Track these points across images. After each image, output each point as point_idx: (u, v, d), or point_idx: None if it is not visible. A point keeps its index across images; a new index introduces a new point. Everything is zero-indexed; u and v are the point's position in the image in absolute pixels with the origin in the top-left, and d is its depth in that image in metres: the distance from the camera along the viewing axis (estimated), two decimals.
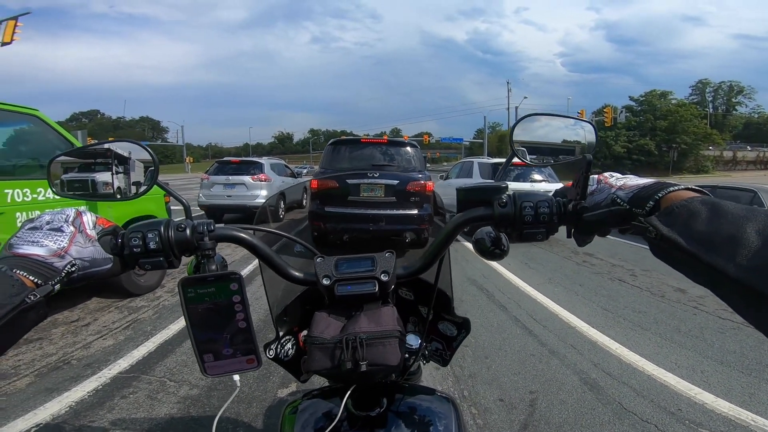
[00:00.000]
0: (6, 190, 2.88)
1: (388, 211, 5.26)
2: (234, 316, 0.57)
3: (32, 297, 0.44)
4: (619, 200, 0.52)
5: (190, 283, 0.55)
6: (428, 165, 6.77)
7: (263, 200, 8.69)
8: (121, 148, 0.83)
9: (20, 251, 0.49)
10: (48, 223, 0.52)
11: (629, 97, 48.96)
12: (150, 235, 0.56)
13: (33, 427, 2.00)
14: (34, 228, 0.52)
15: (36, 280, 0.46)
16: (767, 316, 0.35)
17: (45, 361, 2.69)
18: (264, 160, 9.86)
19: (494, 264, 5.42)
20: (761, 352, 2.85)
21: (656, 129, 41.68)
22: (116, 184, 0.85)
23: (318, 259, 0.67)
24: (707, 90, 63.09)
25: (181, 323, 3.33)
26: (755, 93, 62.93)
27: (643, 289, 4.49)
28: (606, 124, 32.71)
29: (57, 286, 0.48)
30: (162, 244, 0.56)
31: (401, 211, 5.30)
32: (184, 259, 0.62)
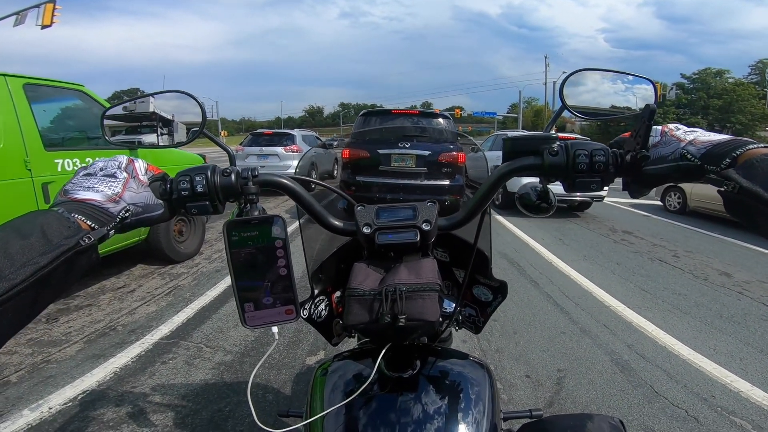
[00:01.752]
0: (56, 160, 3.03)
1: (419, 182, 5.22)
2: (276, 261, 0.55)
3: (86, 240, 0.44)
4: (689, 155, 0.49)
5: (234, 226, 0.55)
6: (459, 138, 6.63)
7: (296, 170, 8.83)
8: (166, 102, 0.83)
9: (76, 196, 0.49)
10: (102, 169, 0.53)
11: (681, 74, 45.54)
12: (197, 179, 0.57)
13: (80, 394, 2.08)
14: (89, 174, 0.52)
15: (92, 224, 0.47)
16: None
17: (93, 328, 2.81)
18: (296, 132, 9.97)
19: (527, 238, 5.32)
20: None
21: (709, 108, 38.84)
22: (161, 144, 0.87)
23: (358, 207, 0.66)
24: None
25: (217, 290, 3.49)
26: None
27: (686, 271, 4.28)
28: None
29: (112, 231, 0.49)
30: (208, 188, 0.57)
31: (432, 182, 5.24)
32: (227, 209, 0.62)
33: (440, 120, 5.93)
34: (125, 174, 0.53)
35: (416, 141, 5.42)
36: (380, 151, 5.29)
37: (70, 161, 3.12)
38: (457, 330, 0.91)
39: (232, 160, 0.65)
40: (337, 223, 0.68)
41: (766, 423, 1.94)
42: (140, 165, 0.56)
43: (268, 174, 0.63)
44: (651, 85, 0.74)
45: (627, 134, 0.56)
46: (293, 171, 8.88)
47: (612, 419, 0.69)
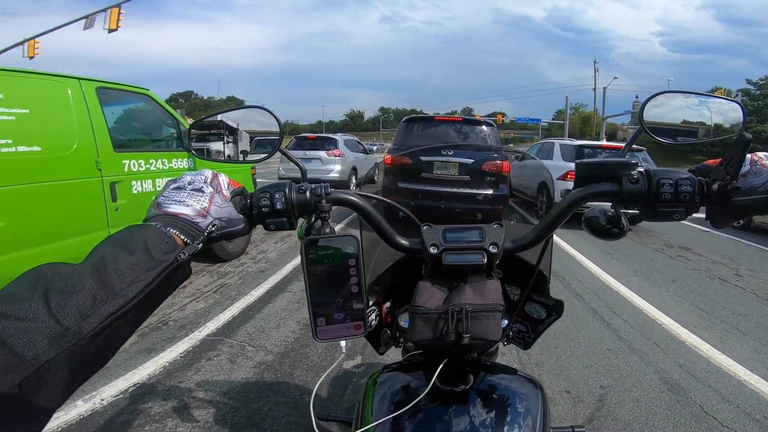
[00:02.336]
0: (123, 161, 3.26)
1: (462, 190, 5.16)
2: (348, 279, 0.56)
3: (182, 255, 0.46)
4: None
5: (312, 244, 0.55)
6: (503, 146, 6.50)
7: (337, 174, 9.01)
8: (231, 119, 0.89)
9: (170, 210, 0.51)
10: (190, 183, 0.54)
11: (747, 80, 42.07)
12: (277, 196, 0.58)
13: (131, 387, 2.16)
14: (178, 188, 0.54)
15: (185, 239, 0.49)
16: None
17: (148, 322, 2.95)
18: (338, 137, 10.17)
19: (572, 251, 5.12)
20: None
21: None
22: (227, 152, 0.93)
23: (425, 227, 0.66)
24: None
25: (261, 290, 3.59)
26: None
27: (748, 291, 3.97)
28: None
29: (200, 245, 0.51)
30: (286, 205, 0.59)
31: (475, 191, 5.16)
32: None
33: (484, 127, 5.85)
34: (211, 189, 0.55)
35: (459, 148, 5.38)
36: (423, 159, 5.29)
37: (135, 162, 3.35)
38: (505, 345, 0.91)
39: (304, 176, 0.67)
40: (403, 241, 0.69)
41: None
42: (224, 180, 0.58)
43: (340, 192, 0.64)
44: (739, 107, 0.70)
45: (712, 161, 0.54)
46: (336, 175, 9.09)
47: None
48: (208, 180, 0.56)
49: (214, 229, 0.53)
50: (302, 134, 10.83)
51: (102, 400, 2.05)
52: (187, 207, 0.51)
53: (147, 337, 2.73)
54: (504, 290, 0.84)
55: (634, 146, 0.75)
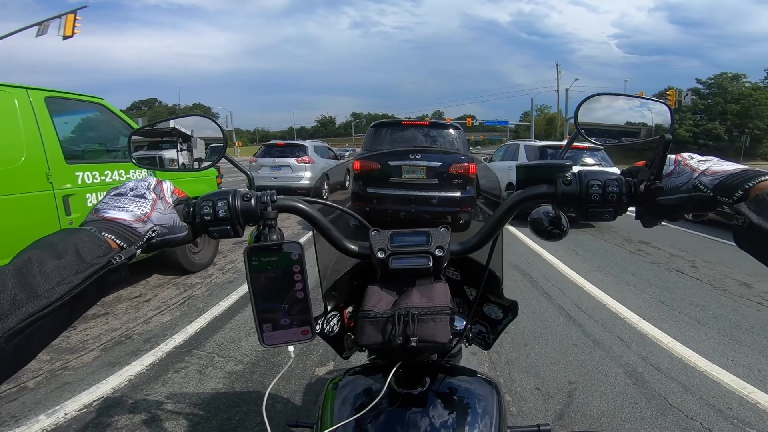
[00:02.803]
0: (77, 173, 3.12)
1: (430, 193, 5.22)
2: (293, 285, 0.57)
3: (117, 259, 0.46)
4: (702, 187, 0.49)
5: (254, 251, 0.56)
6: (472, 149, 6.65)
7: (308, 181, 8.92)
8: (185, 125, 0.87)
9: (108, 215, 0.51)
10: (132, 189, 0.55)
11: (696, 79, 44.87)
12: (219, 204, 0.58)
13: (96, 401, 2.12)
14: (120, 194, 0.54)
15: (121, 243, 0.49)
16: None
17: (110, 336, 2.86)
18: (308, 143, 10.11)
19: (539, 249, 5.25)
20: None
21: (727, 113, 38.13)
22: (180, 160, 0.90)
23: (373, 232, 0.67)
24: None
25: (230, 300, 3.54)
26: None
27: (704, 282, 4.18)
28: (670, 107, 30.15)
29: (138, 251, 0.51)
30: (230, 213, 0.59)
31: (444, 193, 5.24)
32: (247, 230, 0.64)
33: (451, 131, 5.94)
34: (154, 195, 0.55)
35: (427, 152, 5.44)
36: (391, 163, 5.32)
37: (89, 174, 3.21)
38: (467, 346, 0.93)
39: (251, 183, 0.67)
40: (352, 246, 0.69)
41: None
42: (167, 187, 0.59)
43: (286, 198, 0.65)
44: (668, 109, 0.73)
45: (641, 163, 0.56)
46: (306, 182, 8.99)
47: None
48: (152, 186, 0.56)
49: (154, 234, 0.53)
50: (271, 141, 10.68)
51: (65, 414, 2.00)
52: (126, 212, 0.52)
53: (110, 351, 2.65)
54: (463, 292, 0.85)
55: (593, 146, 0.78)
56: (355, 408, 0.65)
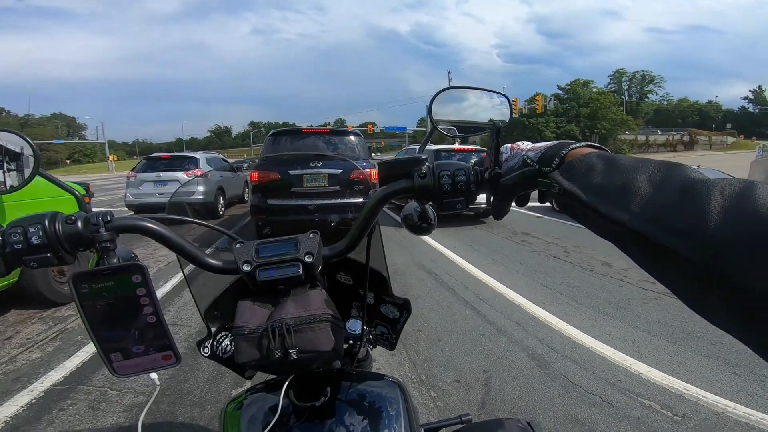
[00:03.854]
0: None
1: (333, 201, 5.19)
2: (140, 310, 0.53)
3: None
4: (529, 161, 0.52)
5: (82, 279, 0.51)
6: (374, 154, 6.78)
7: (202, 196, 8.18)
8: (10, 142, 0.72)
9: None
10: None
11: (557, 86, 52.73)
12: (32, 230, 0.51)
13: None
14: None
15: None
16: (660, 264, 0.35)
17: None
18: (199, 155, 9.31)
19: (440, 247, 5.56)
20: (682, 320, 3.12)
21: (580, 116, 45.31)
22: (8, 181, 0.74)
23: (237, 245, 0.64)
24: (623, 79, 69.35)
25: None
26: (665, 82, 70.57)
27: (575, 265, 4.83)
28: (537, 111, 34.75)
29: None
30: (48, 239, 0.52)
31: (346, 200, 5.25)
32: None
33: (351, 137, 5.99)
34: None
35: (328, 159, 5.40)
36: (291, 172, 5.17)
37: None
38: (373, 348, 0.92)
39: (80, 204, 0.60)
40: (214, 262, 0.65)
41: (671, 402, 2.14)
42: None
43: (125, 218, 0.58)
44: (506, 99, 0.80)
45: (486, 154, 0.59)
46: (199, 197, 8.26)
47: (520, 422, 0.75)
48: None
49: None
50: (154, 154, 9.58)
51: None
52: None
53: None
54: (359, 295, 0.85)
55: (477, 147, 0.81)
56: (260, 427, 0.63)
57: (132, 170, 8.84)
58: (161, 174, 8.35)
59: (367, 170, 5.38)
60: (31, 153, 0.66)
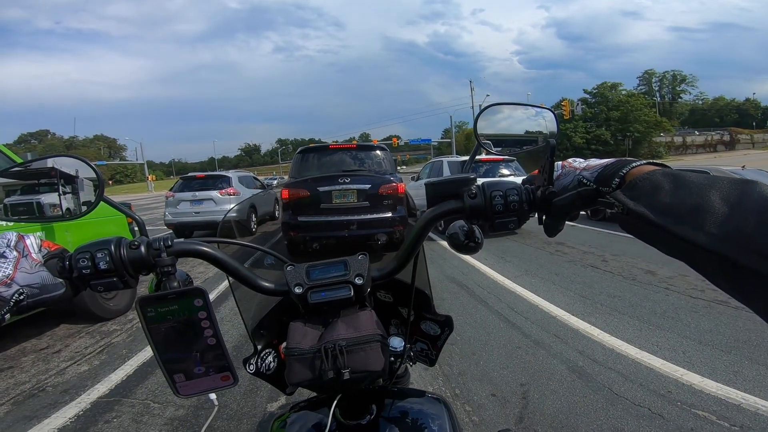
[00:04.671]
0: None
1: (362, 216, 5.23)
2: (202, 333, 0.55)
3: None
4: (585, 180, 0.52)
5: (148, 303, 0.53)
6: (399, 168, 6.80)
7: (234, 214, 8.44)
8: (65, 165, 0.76)
9: None
10: None
11: (584, 90, 51.41)
12: (99, 255, 0.53)
13: None
14: None
15: None
16: (742, 284, 0.34)
17: (19, 389, 2.61)
18: (231, 174, 9.63)
19: (471, 260, 5.48)
20: (736, 329, 2.95)
21: (610, 119, 43.88)
22: (65, 205, 0.78)
23: (288, 268, 0.65)
24: (653, 80, 66.97)
25: None
26: (697, 81, 67.48)
27: (615, 274, 4.64)
28: (565, 117, 33.99)
29: (7, 316, 0.46)
30: (114, 264, 0.54)
31: (375, 215, 5.27)
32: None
33: (378, 152, 6.04)
34: (15, 253, 0.50)
35: (356, 175, 5.46)
36: (320, 189, 5.25)
37: None
38: (412, 365, 0.92)
39: (142, 229, 0.64)
40: (267, 284, 0.66)
41: (728, 412, 2.03)
42: (32, 242, 0.53)
43: (184, 243, 0.60)
44: (553, 116, 0.79)
45: (536, 171, 0.59)
46: (233, 215, 8.50)
47: None
48: (12, 243, 0.51)
49: (22, 297, 0.48)
50: (189, 174, 10.00)
51: None
52: None
53: (21, 405, 2.39)
54: (399, 313, 0.86)
55: (504, 157, 0.81)
56: None
57: (170, 190, 9.25)
58: (197, 193, 8.68)
59: (395, 184, 5.40)
60: (95, 177, 0.68)
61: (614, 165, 0.49)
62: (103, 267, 0.53)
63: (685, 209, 0.38)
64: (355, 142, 9.98)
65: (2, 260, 0.49)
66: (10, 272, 0.48)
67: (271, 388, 2.34)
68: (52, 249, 0.55)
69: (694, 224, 0.36)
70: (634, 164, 0.47)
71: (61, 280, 0.53)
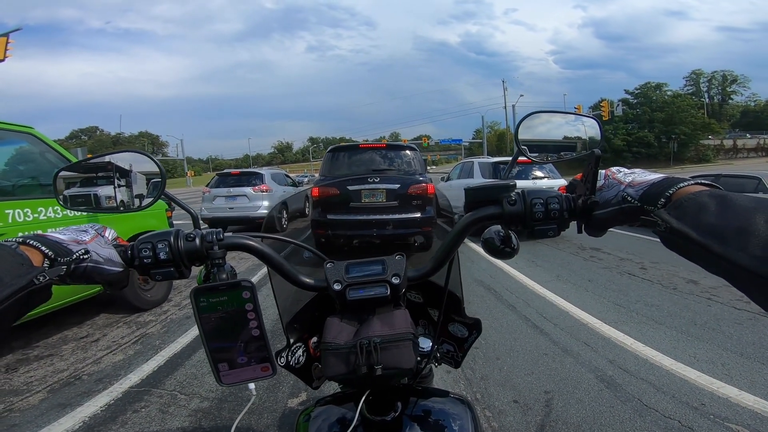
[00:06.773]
0: (6, 211, 2.84)
1: (391, 216, 5.24)
2: (247, 324, 0.57)
3: (40, 278, 0.44)
4: (630, 198, 0.51)
5: (202, 293, 0.56)
6: (429, 168, 6.76)
7: (266, 211, 8.69)
8: (122, 160, 0.81)
9: (43, 234, 0.51)
10: (77, 226, 0.57)
11: (625, 90, 49.03)
12: (160, 246, 0.57)
13: None
14: (64, 228, 0.56)
15: (48, 252, 0.47)
16: None
17: (57, 377, 2.73)
18: (264, 171, 9.88)
19: (500, 263, 5.37)
20: None
21: (654, 121, 41.75)
22: (119, 197, 0.83)
23: (328, 265, 0.67)
24: (701, 80, 63.05)
25: (189, 336, 3.34)
26: (749, 82, 62.90)
27: (654, 282, 4.42)
28: (604, 118, 32.66)
29: (65, 267, 0.49)
30: (172, 254, 0.58)
31: (404, 215, 5.26)
32: (194, 270, 0.63)
33: (407, 152, 6.02)
34: (95, 232, 0.57)
35: (385, 174, 5.47)
36: (350, 188, 5.31)
37: (21, 211, 2.93)
38: (437, 366, 0.93)
39: (196, 222, 0.66)
40: (307, 280, 0.69)
41: (763, 427, 1.94)
42: (110, 232, 0.60)
43: (233, 236, 0.63)
44: (597, 123, 0.78)
45: (580, 176, 0.58)
46: (264, 212, 8.75)
47: None
48: (96, 227, 0.58)
49: (87, 256, 0.52)
50: (225, 170, 10.35)
51: None
52: (63, 235, 0.53)
53: (58, 392, 2.50)
54: (427, 314, 0.87)
55: (544, 159, 0.81)
56: None
57: (207, 186, 9.62)
58: (231, 189, 8.98)
59: (425, 185, 5.37)
60: (150, 171, 0.72)
61: (661, 183, 0.49)
62: (162, 257, 0.57)
63: (730, 230, 0.38)
64: (384, 141, 10.00)
65: (83, 233, 0.55)
66: (86, 239, 0.54)
67: (293, 384, 2.43)
68: (122, 243, 0.60)
69: (737, 245, 0.37)
70: (681, 184, 0.47)
71: (122, 262, 0.57)
